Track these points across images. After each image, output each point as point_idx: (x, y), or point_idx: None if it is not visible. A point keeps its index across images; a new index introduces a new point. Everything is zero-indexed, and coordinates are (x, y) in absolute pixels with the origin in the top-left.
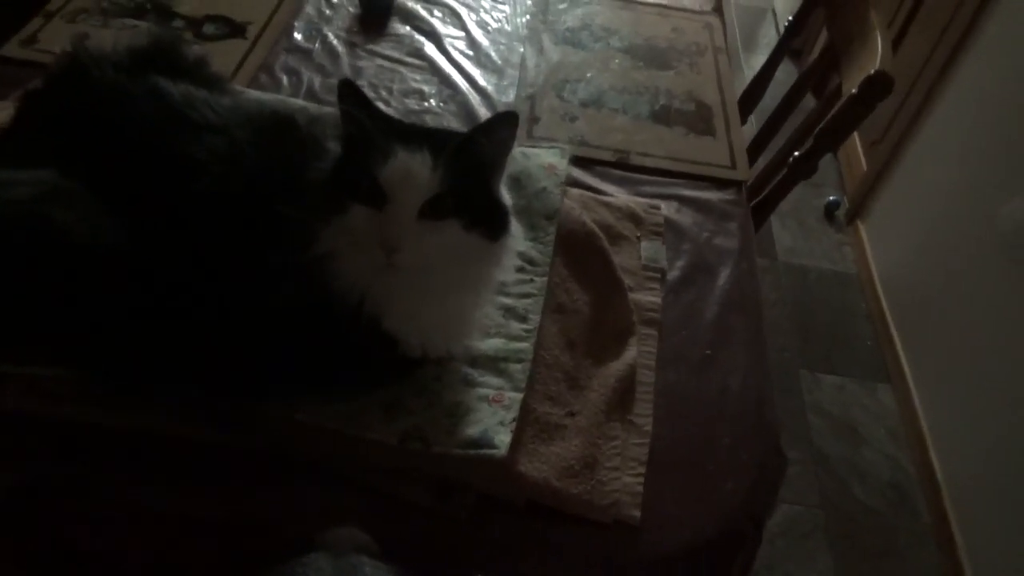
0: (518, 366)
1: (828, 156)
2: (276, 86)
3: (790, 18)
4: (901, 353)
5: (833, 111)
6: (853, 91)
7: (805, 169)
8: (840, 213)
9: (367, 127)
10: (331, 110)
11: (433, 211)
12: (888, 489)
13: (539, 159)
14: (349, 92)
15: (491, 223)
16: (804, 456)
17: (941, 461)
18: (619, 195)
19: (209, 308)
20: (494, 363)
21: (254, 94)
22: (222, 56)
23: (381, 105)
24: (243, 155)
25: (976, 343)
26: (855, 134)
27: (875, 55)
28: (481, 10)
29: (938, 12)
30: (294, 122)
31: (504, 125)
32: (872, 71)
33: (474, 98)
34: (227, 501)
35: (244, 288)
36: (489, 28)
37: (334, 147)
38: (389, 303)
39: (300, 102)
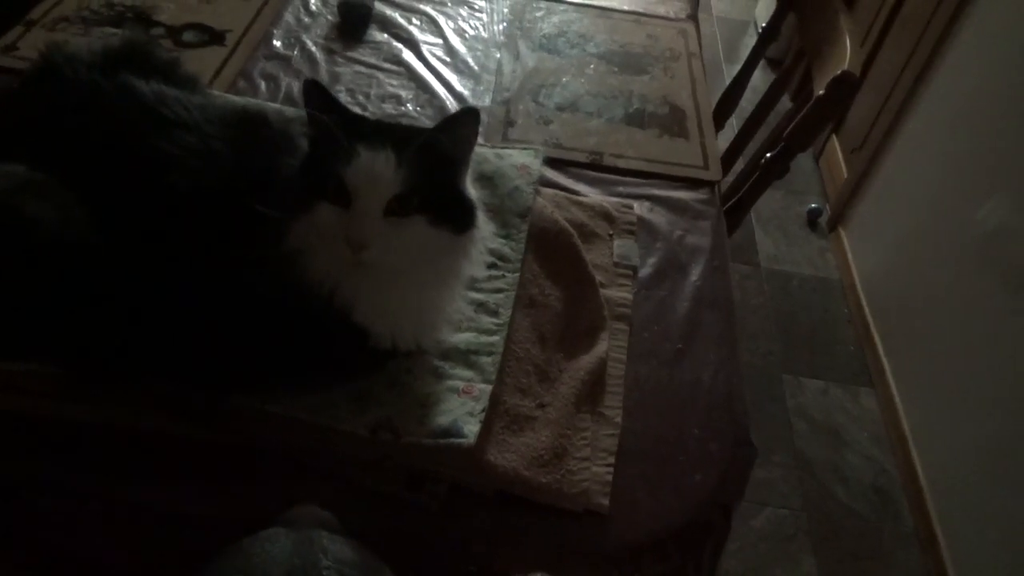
0: (488, 359)
1: (810, 165)
2: (254, 92)
3: (763, 25)
4: (883, 357)
5: (802, 112)
6: (820, 92)
7: (777, 170)
8: (822, 220)
9: (330, 128)
10: (303, 112)
11: (399, 208)
12: (871, 492)
13: (512, 159)
14: (314, 92)
15: (457, 217)
16: (787, 460)
17: (923, 464)
18: (593, 195)
19: (181, 301)
20: (464, 356)
21: (229, 97)
22: (201, 63)
23: (357, 109)
24: (215, 150)
25: (957, 346)
26: (835, 142)
27: (843, 58)
28: (459, 18)
29: (914, 20)
30: (266, 119)
31: (466, 121)
32: (838, 72)
33: (451, 103)
34: (201, 495)
35: (216, 281)
36: (466, 35)
37: (305, 144)
38: (359, 296)
39: (276, 105)
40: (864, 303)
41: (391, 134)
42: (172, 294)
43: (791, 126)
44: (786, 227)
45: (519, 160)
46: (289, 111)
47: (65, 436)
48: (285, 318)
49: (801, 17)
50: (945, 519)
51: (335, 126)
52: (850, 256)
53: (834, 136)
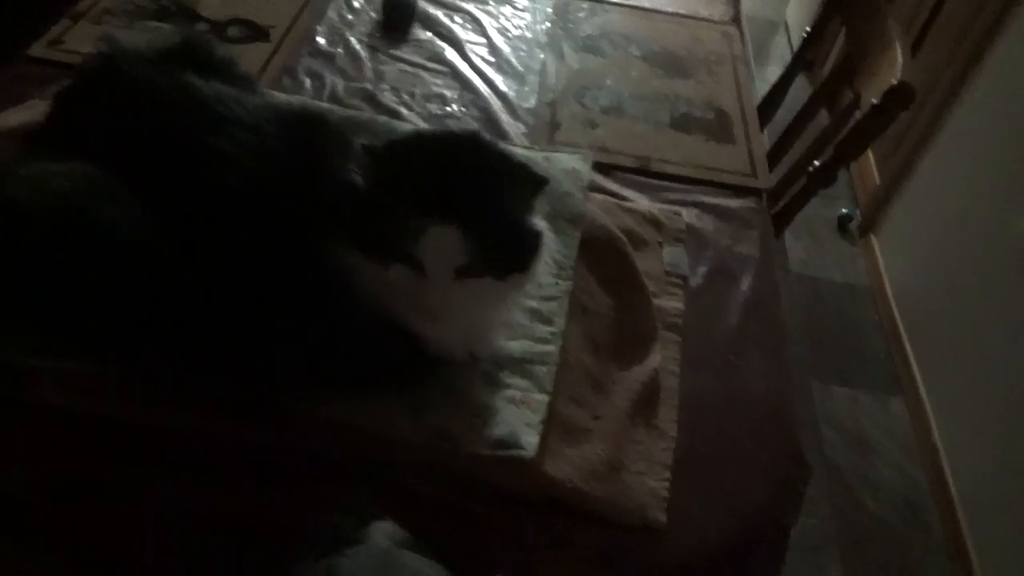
0: (543, 368)
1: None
2: (299, 89)
3: (808, 29)
4: (914, 366)
5: (853, 121)
6: (874, 101)
7: (824, 179)
8: (853, 226)
9: (395, 208)
10: (356, 113)
11: (469, 271)
12: (900, 502)
13: (561, 163)
14: (371, 158)
15: (526, 258)
16: (816, 468)
17: (954, 475)
18: (640, 201)
19: (236, 301)
20: (519, 364)
21: (281, 96)
22: (245, 59)
23: (403, 109)
24: (273, 150)
25: (989, 356)
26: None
27: (895, 66)
28: (502, 17)
29: (953, 25)
30: (324, 120)
31: (540, 186)
32: (894, 82)
33: (495, 103)
34: (247, 498)
35: (273, 281)
36: (510, 35)
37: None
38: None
39: (325, 105)
40: (895, 310)
41: (456, 196)
42: (227, 294)
43: (842, 134)
44: (816, 232)
45: (568, 164)
46: (339, 110)
47: (115, 436)
48: (339, 320)
49: (847, 22)
50: (976, 531)
51: (399, 204)
52: (881, 263)
53: None
